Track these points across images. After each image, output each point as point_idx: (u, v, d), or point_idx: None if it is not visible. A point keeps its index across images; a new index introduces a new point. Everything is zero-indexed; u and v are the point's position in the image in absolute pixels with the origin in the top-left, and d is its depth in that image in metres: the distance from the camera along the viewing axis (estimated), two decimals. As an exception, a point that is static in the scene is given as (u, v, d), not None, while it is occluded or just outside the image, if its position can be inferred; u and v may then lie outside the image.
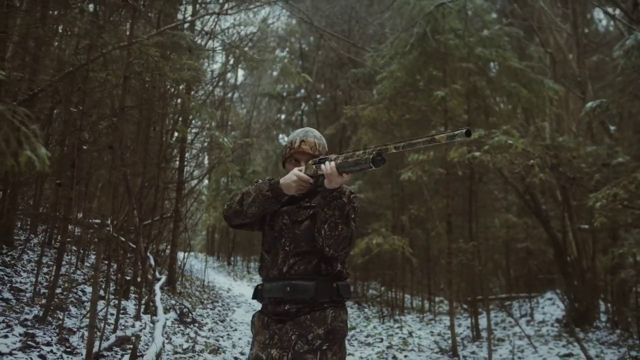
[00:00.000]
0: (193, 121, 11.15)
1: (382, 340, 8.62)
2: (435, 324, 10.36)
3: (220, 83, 14.51)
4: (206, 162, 16.31)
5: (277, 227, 2.42)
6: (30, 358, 4.73)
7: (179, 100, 9.20)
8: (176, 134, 10.51)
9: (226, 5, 9.63)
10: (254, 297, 2.47)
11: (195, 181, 15.07)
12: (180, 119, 10.35)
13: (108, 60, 6.96)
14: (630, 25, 6.37)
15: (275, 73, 21.16)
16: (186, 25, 9.83)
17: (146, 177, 9.31)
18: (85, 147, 7.26)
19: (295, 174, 2.29)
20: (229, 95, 17.30)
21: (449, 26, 7.57)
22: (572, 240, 9.02)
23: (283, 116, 23.86)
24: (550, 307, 9.98)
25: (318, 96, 21.44)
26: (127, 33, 7.94)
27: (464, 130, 1.75)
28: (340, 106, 18.11)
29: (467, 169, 7.28)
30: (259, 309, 2.50)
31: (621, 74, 5.29)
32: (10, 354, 4.63)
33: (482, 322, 9.22)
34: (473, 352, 7.58)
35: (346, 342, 2.34)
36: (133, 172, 8.62)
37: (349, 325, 5.85)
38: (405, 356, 7.36)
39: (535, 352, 7.13)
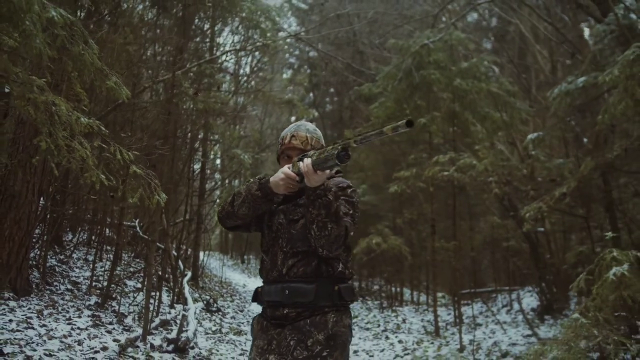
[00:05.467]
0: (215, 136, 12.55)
1: (379, 325, 10.02)
2: (428, 313, 11.70)
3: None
4: (218, 163, 17.60)
5: (274, 227, 2.28)
6: (101, 332, 6.18)
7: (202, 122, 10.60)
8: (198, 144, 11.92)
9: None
10: (254, 300, 2.35)
11: (214, 185, 16.44)
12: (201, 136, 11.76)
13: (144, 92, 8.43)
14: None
15: (285, 76, 22.79)
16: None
17: (174, 186, 10.72)
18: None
19: (283, 171, 2.15)
20: (242, 101, 18.41)
21: (433, 59, 8.93)
22: (545, 240, 10.32)
23: (293, 118, 25.21)
24: (529, 299, 11.28)
25: (326, 99, 22.96)
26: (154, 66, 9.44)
27: (405, 121, 1.73)
28: (346, 114, 19.54)
29: (446, 182, 8.63)
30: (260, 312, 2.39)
31: (555, 113, 6.59)
32: (86, 329, 6.10)
33: (469, 311, 10.60)
34: (453, 333, 8.97)
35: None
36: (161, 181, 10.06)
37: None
38: (396, 336, 8.77)
39: (505, 333, 8.50)
